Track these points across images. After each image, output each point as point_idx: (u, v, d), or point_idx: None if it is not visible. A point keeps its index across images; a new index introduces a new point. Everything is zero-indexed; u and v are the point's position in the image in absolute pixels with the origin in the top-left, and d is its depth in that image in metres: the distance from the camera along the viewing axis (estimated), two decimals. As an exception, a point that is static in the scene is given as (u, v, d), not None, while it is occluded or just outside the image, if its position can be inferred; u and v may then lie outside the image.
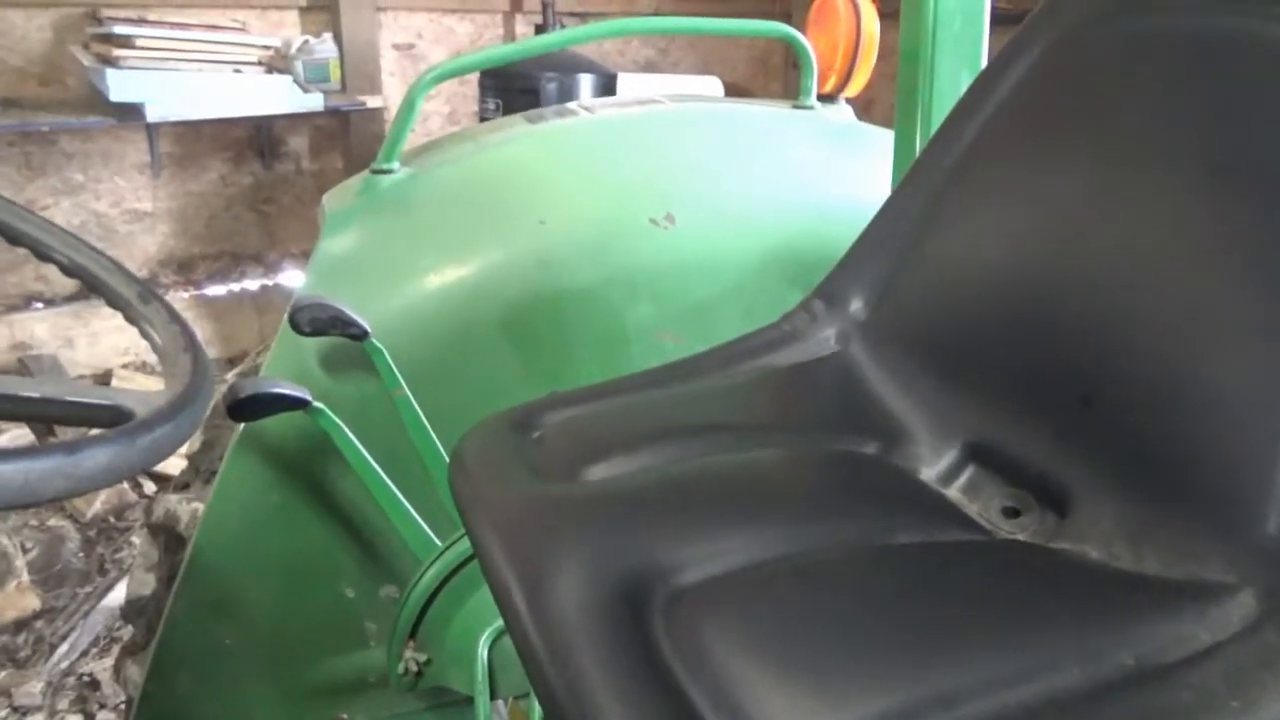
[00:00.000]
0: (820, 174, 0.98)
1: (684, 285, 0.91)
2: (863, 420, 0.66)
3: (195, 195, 3.38)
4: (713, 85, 4.18)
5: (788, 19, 4.60)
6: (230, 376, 3.07)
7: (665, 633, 0.45)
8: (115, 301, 0.62)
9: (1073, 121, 0.64)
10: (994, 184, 0.66)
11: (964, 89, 0.86)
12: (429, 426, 0.83)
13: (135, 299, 0.59)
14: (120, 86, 2.69)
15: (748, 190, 0.94)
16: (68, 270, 0.64)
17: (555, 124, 0.98)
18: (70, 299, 3.25)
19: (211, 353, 3.56)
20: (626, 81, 3.29)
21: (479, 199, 0.90)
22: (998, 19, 0.85)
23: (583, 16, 3.98)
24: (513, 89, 2.87)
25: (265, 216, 3.56)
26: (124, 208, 3.26)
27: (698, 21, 1.04)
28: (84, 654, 2.12)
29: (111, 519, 2.68)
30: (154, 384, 3.31)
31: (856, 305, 0.72)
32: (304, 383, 0.82)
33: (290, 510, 0.86)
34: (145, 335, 0.59)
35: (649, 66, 4.22)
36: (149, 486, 2.85)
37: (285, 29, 3.33)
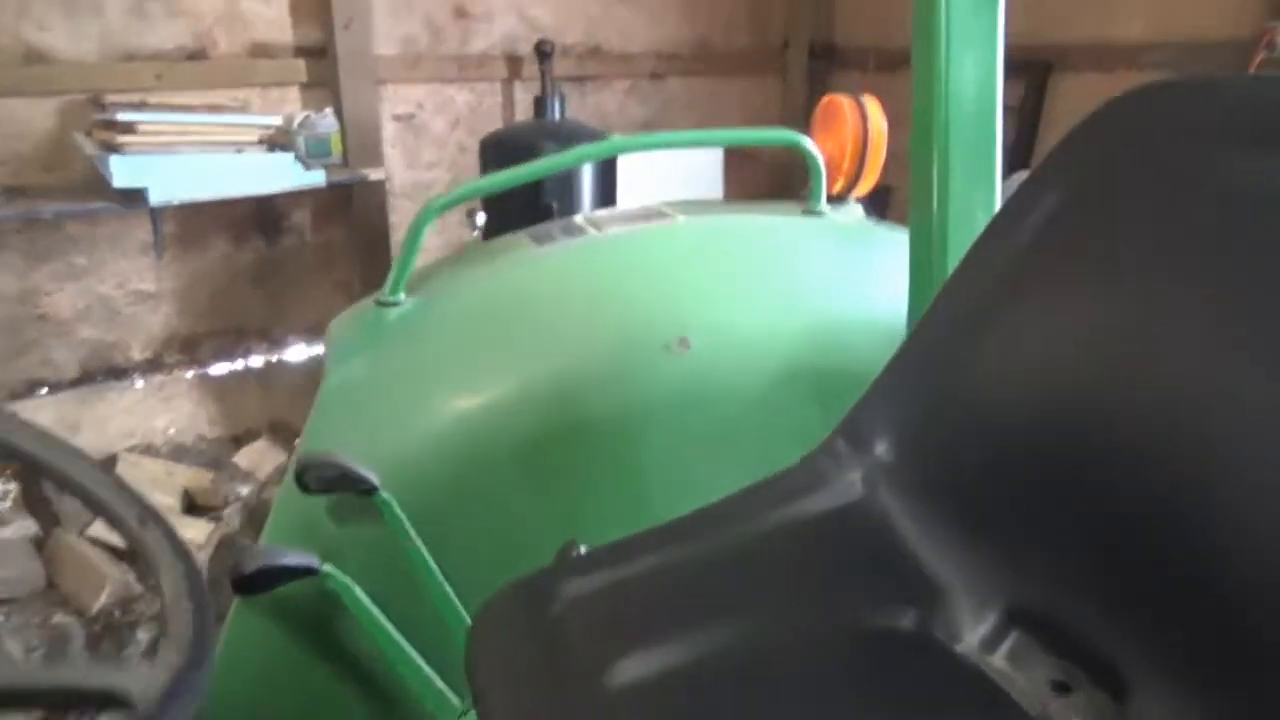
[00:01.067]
0: (833, 283, 0.95)
1: (701, 411, 0.87)
2: (897, 580, 0.63)
3: (198, 274, 3.38)
4: (713, 150, 4.19)
5: (783, 75, 4.63)
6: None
7: None
8: (115, 524, 0.59)
9: (1106, 260, 0.61)
10: (1023, 324, 0.63)
11: (978, 194, 0.83)
12: (444, 579, 0.80)
13: (135, 524, 0.56)
14: (123, 173, 2.69)
15: (761, 306, 0.91)
16: (66, 489, 0.61)
17: (563, 245, 0.95)
18: (75, 383, 3.24)
19: (216, 431, 3.54)
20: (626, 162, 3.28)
21: (488, 330, 0.87)
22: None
23: (579, 80, 4.01)
24: (516, 161, 2.86)
25: (269, 292, 3.55)
26: (128, 289, 3.26)
27: (709, 134, 1.02)
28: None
29: (117, 613, 2.63)
30: (159, 468, 3.28)
31: (882, 447, 0.69)
32: (311, 539, 0.79)
33: (301, 671, 0.82)
34: (146, 571, 0.55)
35: (647, 127, 4.24)
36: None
37: (287, 105, 3.36)
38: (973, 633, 0.59)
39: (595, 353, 0.84)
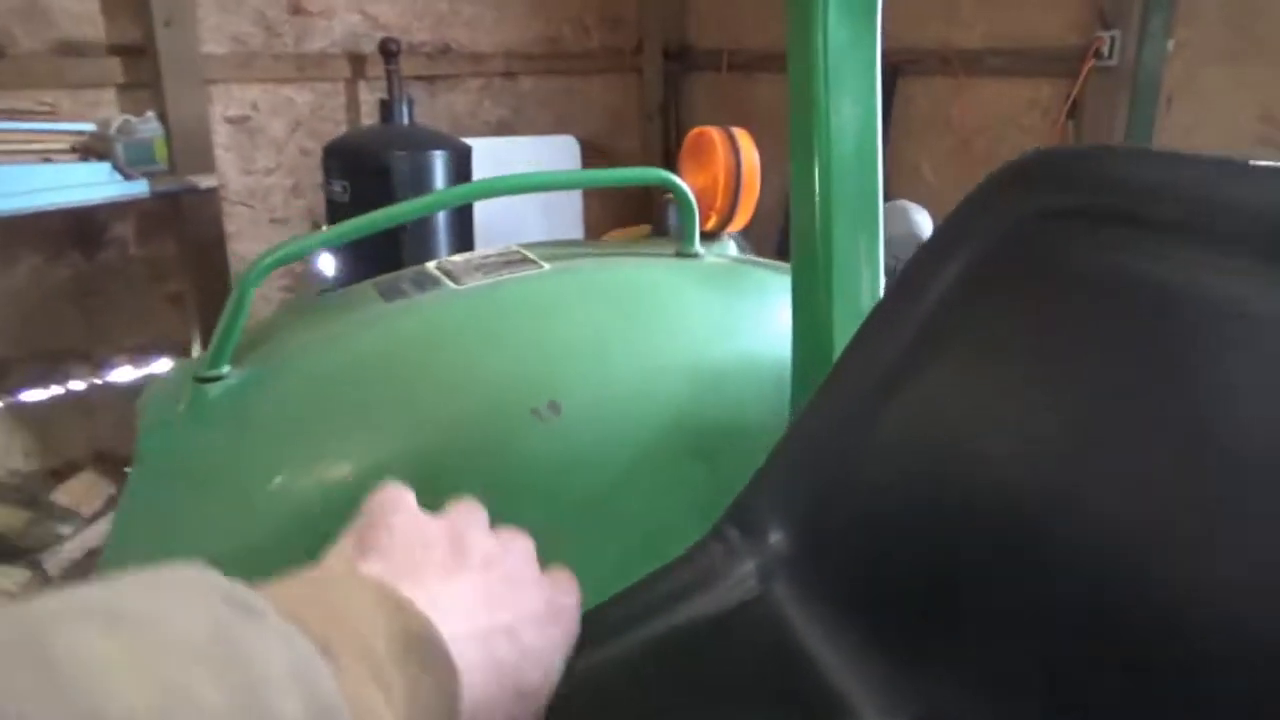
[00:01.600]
0: (711, 330, 0.89)
1: (578, 477, 0.80)
2: (795, 693, 0.57)
3: (6, 293, 3.05)
4: (569, 145, 4.12)
5: (638, 73, 4.59)
6: (57, 497, 2.73)
7: None
8: None
9: (998, 341, 0.57)
10: (927, 401, 0.59)
11: (863, 238, 0.79)
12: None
13: None
14: (-96, 186, 2.38)
15: (637, 360, 0.85)
16: None
17: (415, 301, 0.85)
18: None
19: (32, 464, 3.21)
20: (481, 149, 3.18)
21: (332, 403, 0.77)
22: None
23: (430, 80, 3.85)
24: (363, 170, 2.71)
25: (89, 310, 3.24)
26: (-80, 314, 2.90)
27: (578, 174, 0.94)
28: None
29: None
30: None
31: (777, 536, 0.63)
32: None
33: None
34: None
35: (502, 127, 4.12)
36: None
37: (102, 109, 3.06)
38: (880, 743, 0.54)
39: (457, 424, 0.76)
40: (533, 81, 4.21)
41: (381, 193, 2.69)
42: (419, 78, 3.77)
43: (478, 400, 0.78)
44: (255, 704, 0.26)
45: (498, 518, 0.78)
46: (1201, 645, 0.45)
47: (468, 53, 3.94)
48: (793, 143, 0.78)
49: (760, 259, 1.04)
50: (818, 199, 0.76)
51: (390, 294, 0.86)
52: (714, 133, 1.06)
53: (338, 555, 0.43)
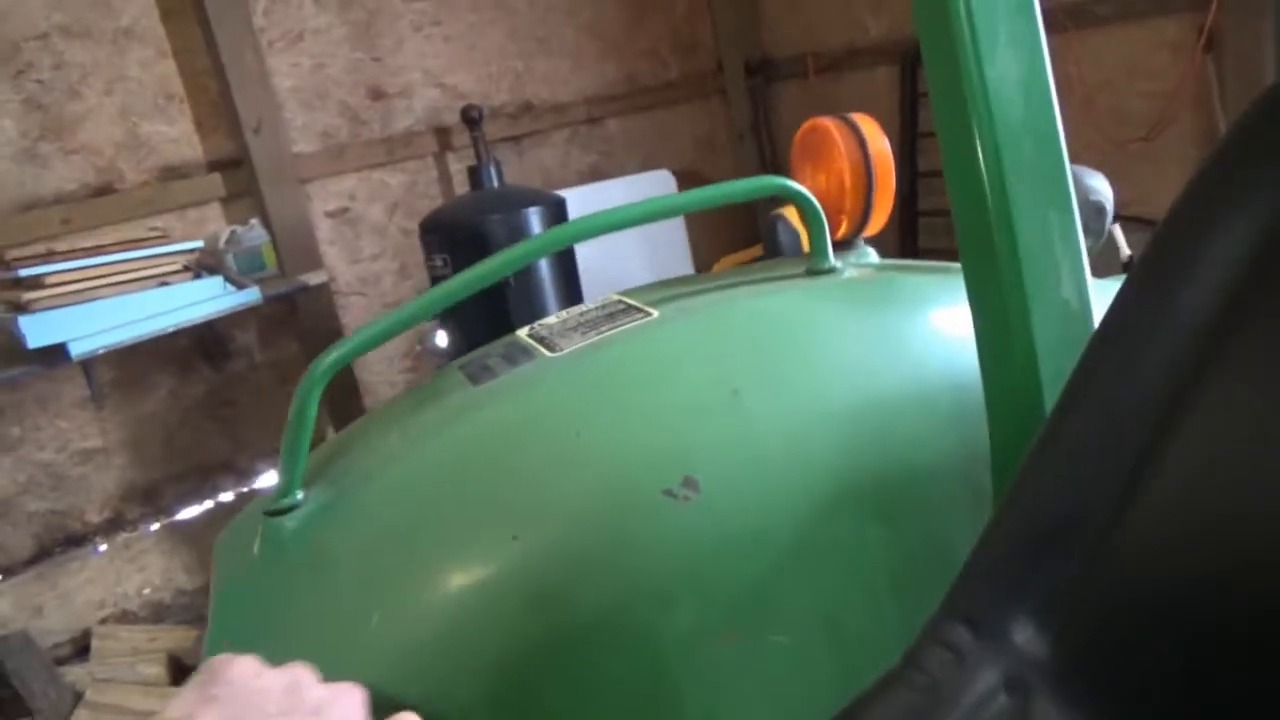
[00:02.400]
0: (867, 360, 0.73)
1: (730, 567, 0.64)
2: None
3: (146, 417, 3.14)
4: (664, 179, 4.01)
5: (722, 95, 4.46)
6: None
7: None
8: None
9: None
10: (1240, 434, 0.40)
11: (1055, 224, 0.61)
12: None
13: None
14: (36, 332, 2.46)
15: (781, 412, 0.69)
16: None
17: (508, 380, 0.72)
18: (31, 561, 2.97)
19: (195, 581, 3.27)
20: (575, 199, 3.10)
21: (421, 526, 0.64)
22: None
23: (516, 140, 3.82)
24: (460, 240, 2.66)
25: (226, 421, 3.31)
26: (71, 450, 3.00)
27: (678, 198, 0.79)
28: None
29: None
30: (139, 636, 3.01)
31: (1026, 634, 0.46)
32: None
33: None
34: None
35: (594, 174, 4.05)
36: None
37: (209, 224, 3.14)
38: None
39: (573, 523, 0.61)
40: (618, 123, 4.13)
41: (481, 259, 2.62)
42: (505, 139, 3.74)
43: (595, 488, 0.64)
44: None
45: (645, 624, 0.64)
46: None
47: (549, 106, 3.89)
48: (937, 112, 0.61)
49: (910, 262, 0.86)
50: (985, 175, 0.59)
51: (478, 375, 0.73)
52: (829, 124, 0.89)
53: (178, 703, 0.47)
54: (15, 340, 2.53)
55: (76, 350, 2.53)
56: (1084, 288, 0.61)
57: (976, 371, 0.73)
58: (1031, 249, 0.58)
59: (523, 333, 0.77)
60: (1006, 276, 0.58)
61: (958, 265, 0.91)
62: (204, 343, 3.21)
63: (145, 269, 2.66)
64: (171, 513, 3.23)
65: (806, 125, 0.93)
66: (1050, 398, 0.58)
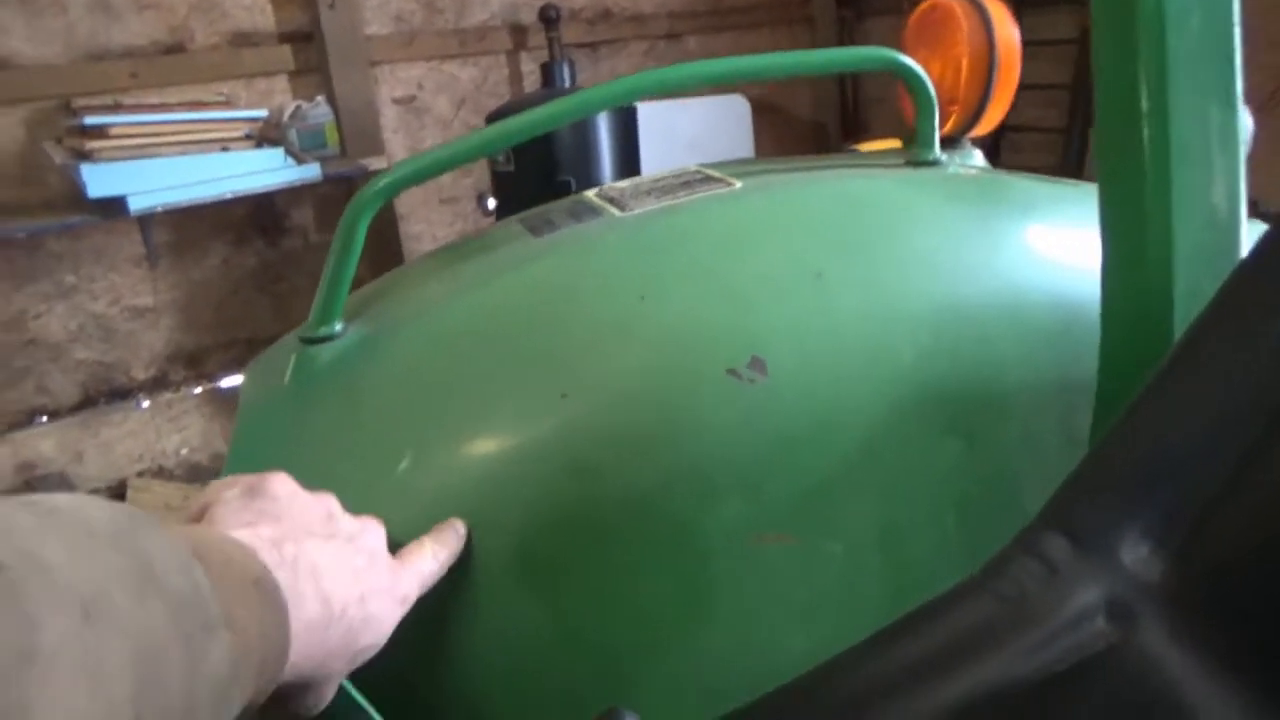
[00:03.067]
0: (964, 263, 0.66)
1: (789, 461, 0.59)
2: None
3: (198, 283, 3.15)
4: (738, 105, 3.88)
5: (809, 24, 4.27)
6: None
7: None
8: None
9: None
10: None
11: (1218, 131, 0.54)
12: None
13: None
14: (98, 182, 2.46)
15: (864, 304, 0.63)
16: None
17: (571, 234, 0.66)
18: (76, 408, 3.02)
19: (231, 449, 3.32)
20: (647, 112, 3.00)
21: (470, 364, 0.59)
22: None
23: (592, 47, 3.71)
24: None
25: (276, 297, 3.32)
26: (123, 305, 3.03)
27: (788, 58, 0.72)
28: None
29: None
30: (172, 492, 3.07)
31: (1138, 551, 0.40)
32: None
33: None
34: None
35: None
36: None
37: (275, 96, 3.10)
38: None
39: (626, 393, 0.57)
40: (698, 40, 3.99)
41: (545, 158, 2.56)
42: (581, 44, 3.63)
43: (655, 359, 0.59)
44: (149, 573, 0.32)
45: (688, 512, 0.60)
46: None
47: (629, 15, 3.77)
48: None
49: (1024, 173, 0.79)
50: (1141, 50, 0.51)
51: (539, 228, 0.67)
52: (953, 2, 0.81)
53: (230, 515, 0.46)
54: (76, 188, 2.53)
55: (135, 205, 2.52)
56: (1237, 197, 0.53)
57: (1083, 294, 0.66)
58: (1184, 142, 0.51)
59: (590, 193, 0.71)
60: (1152, 169, 0.51)
61: (1073, 181, 0.83)
62: (260, 216, 3.20)
63: (208, 132, 2.63)
64: (215, 379, 3.26)
65: (926, 4, 0.84)
66: (1183, 312, 0.51)
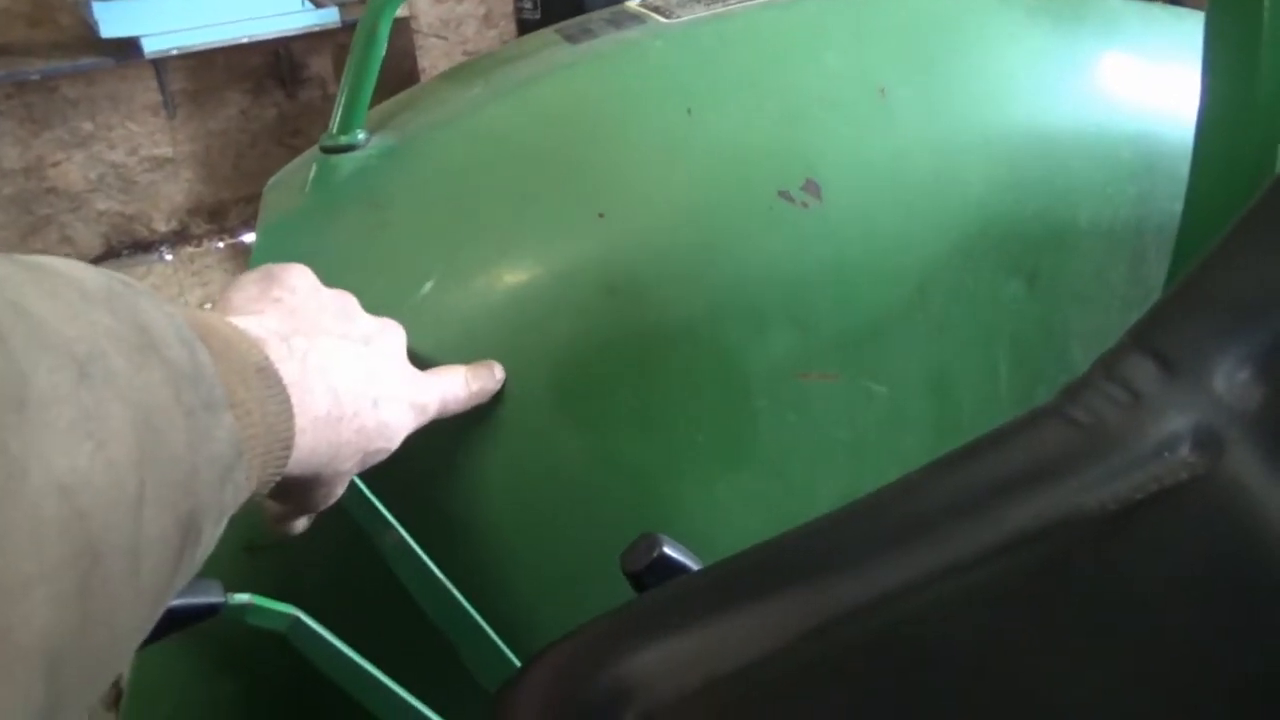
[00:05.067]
0: (1041, 87, 0.60)
1: (840, 294, 0.56)
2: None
3: (217, 134, 3.08)
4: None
5: None
6: None
7: None
8: None
9: None
10: None
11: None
12: (449, 583, 0.51)
13: None
14: (110, 20, 2.37)
15: (930, 128, 0.57)
16: None
17: (609, 43, 0.61)
18: (99, 259, 3.02)
19: (254, 305, 3.33)
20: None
21: (497, 184, 0.55)
22: None
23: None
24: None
25: (295, 150, 3.22)
26: (142, 155, 2.98)
27: None
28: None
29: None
30: (196, 345, 3.09)
31: (1235, 378, 0.37)
32: (237, 532, 0.51)
33: (236, 701, 0.56)
34: None
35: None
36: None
37: (292, -66, 2.94)
38: None
39: (671, 210, 0.53)
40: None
41: (572, 7, 2.43)
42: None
43: (701, 177, 0.55)
44: (147, 339, 0.30)
45: (732, 342, 0.57)
46: None
47: None
48: None
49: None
50: None
51: (578, 36, 0.62)
52: None
53: (240, 296, 0.44)
54: (88, 29, 2.45)
55: (150, 47, 2.44)
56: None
57: (1174, 126, 0.60)
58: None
59: (633, 1, 0.65)
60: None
61: (1169, 5, 0.76)
62: (278, 65, 3.09)
63: (223, -31, 2.51)
64: (237, 234, 3.23)
65: None
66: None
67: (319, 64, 3.17)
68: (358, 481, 0.47)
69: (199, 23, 2.46)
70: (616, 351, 0.52)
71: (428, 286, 0.52)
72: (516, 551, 0.53)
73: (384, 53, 0.59)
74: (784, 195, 0.53)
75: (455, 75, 0.70)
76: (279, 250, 0.56)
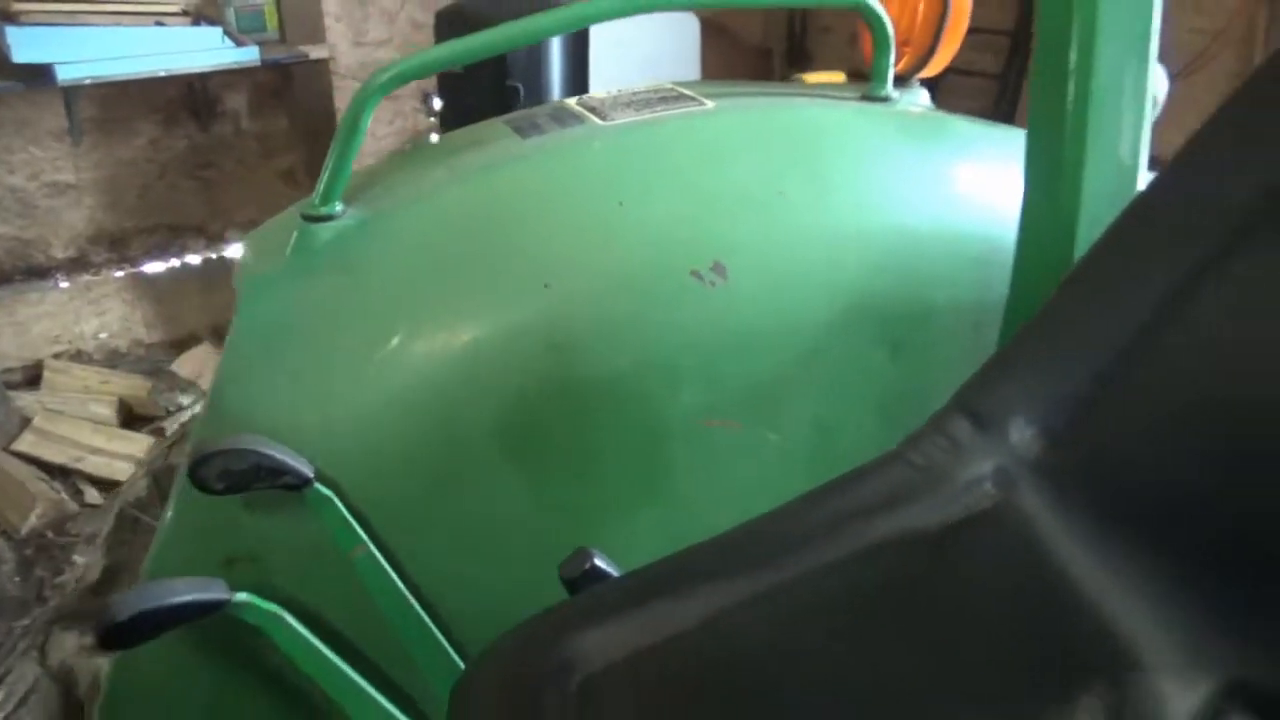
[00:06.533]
0: (910, 194, 0.74)
1: (739, 358, 0.67)
2: (1052, 632, 0.44)
3: (125, 163, 3.05)
4: (688, 22, 3.86)
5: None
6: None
7: None
8: None
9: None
10: (1265, 293, 0.43)
11: (1132, 84, 0.62)
12: (408, 594, 0.60)
13: None
14: (23, 46, 2.36)
15: (819, 224, 0.70)
16: None
17: (555, 139, 0.72)
18: (-10, 285, 2.94)
19: (155, 336, 3.27)
20: (597, 27, 2.98)
21: (457, 256, 0.65)
22: None
23: (545, -51, 3.63)
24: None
25: (205, 184, 3.24)
26: (43, 180, 2.93)
27: None
28: (22, 703, 1.88)
29: (50, 534, 2.41)
30: (91, 376, 3.02)
31: (1024, 433, 0.50)
32: (219, 551, 0.59)
33: (215, 693, 0.63)
34: None
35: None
36: (91, 494, 2.60)
37: (214, -27, 2.97)
38: (1174, 706, 0.41)
39: (604, 285, 0.63)
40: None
41: (496, 64, 2.54)
42: (533, -54, 3.56)
43: (629, 256, 0.66)
44: None
45: (653, 394, 0.67)
46: None
47: (584, -81, 3.69)
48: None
49: (962, 115, 0.86)
50: (1076, 10, 0.59)
51: (526, 130, 0.73)
52: (914, -51, 0.88)
53: None
54: (1, 53, 2.43)
55: (63, 75, 2.43)
56: (1139, 148, 0.62)
57: (1005, 228, 0.75)
58: (1103, 93, 0.59)
59: (571, 100, 0.76)
60: (1072, 116, 0.59)
61: (1004, 125, 0.91)
62: (192, 98, 3.09)
63: (144, 4, 2.53)
64: (138, 263, 3.19)
65: (890, -51, 0.90)
66: (1084, 243, 0.60)
67: (234, 99, 3.18)
68: (336, 501, 0.56)
69: (116, 54, 2.47)
70: (556, 401, 0.62)
71: (394, 341, 0.61)
72: (465, 574, 0.63)
73: (362, 137, 0.69)
74: (696, 274, 0.65)
75: (420, 156, 0.79)
76: (266, 304, 0.64)
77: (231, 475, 0.55)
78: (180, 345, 3.26)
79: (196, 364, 3.15)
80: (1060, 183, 0.61)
